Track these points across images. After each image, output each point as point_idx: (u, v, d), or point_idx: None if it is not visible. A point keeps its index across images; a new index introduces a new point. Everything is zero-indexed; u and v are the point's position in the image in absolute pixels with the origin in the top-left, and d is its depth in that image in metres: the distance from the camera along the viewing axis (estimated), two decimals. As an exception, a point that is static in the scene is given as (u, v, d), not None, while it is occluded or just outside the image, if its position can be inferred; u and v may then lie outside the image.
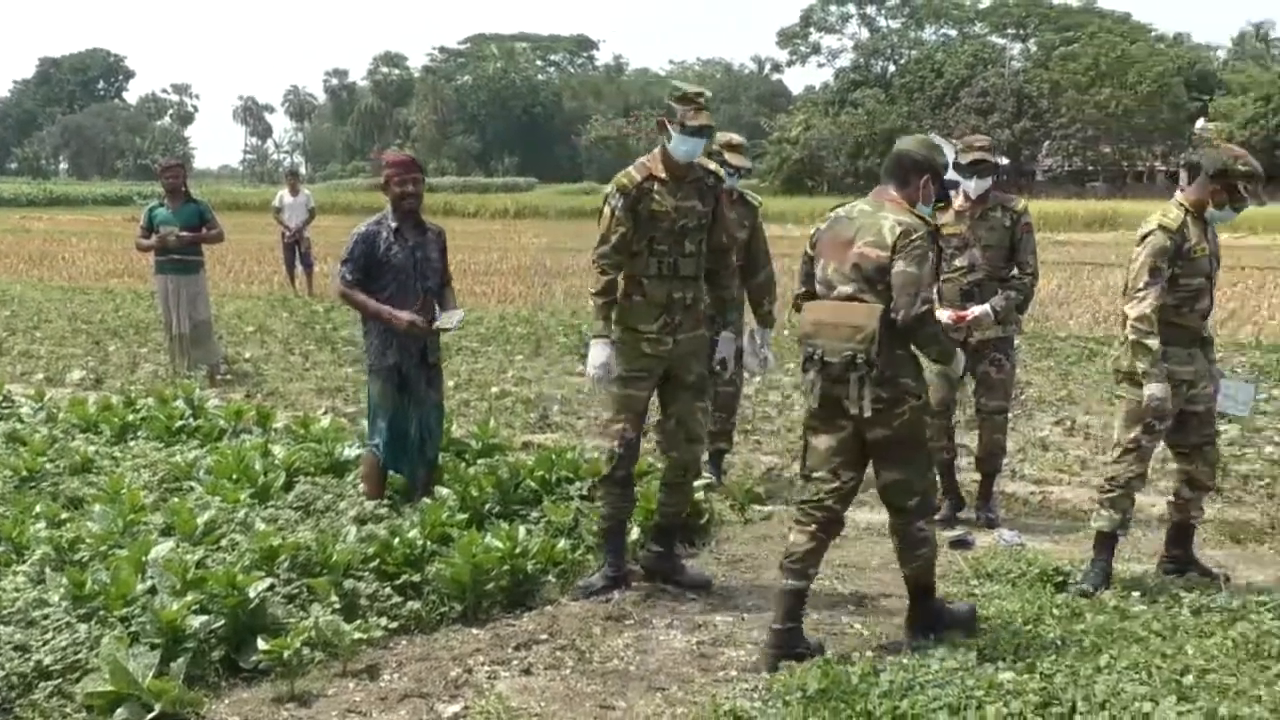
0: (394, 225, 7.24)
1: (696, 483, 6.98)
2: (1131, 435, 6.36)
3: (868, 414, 5.25)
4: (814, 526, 5.47)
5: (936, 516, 7.05)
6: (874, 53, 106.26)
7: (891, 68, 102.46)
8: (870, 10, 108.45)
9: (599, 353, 6.14)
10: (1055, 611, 5.80)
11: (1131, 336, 6.15)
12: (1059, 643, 5.36)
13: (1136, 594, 6.12)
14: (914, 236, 5.24)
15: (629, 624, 5.84)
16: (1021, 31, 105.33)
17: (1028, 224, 7.65)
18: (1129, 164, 78.69)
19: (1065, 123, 76.29)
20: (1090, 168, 78.89)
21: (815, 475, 5.50)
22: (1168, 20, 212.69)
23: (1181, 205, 6.34)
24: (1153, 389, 6.09)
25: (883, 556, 6.95)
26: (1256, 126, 68.88)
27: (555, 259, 30.02)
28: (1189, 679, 4.88)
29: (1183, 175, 6.53)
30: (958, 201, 7.61)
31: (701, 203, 6.31)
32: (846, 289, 5.34)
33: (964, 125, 79.80)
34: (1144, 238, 6.27)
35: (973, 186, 7.63)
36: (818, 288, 5.53)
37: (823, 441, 5.47)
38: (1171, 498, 6.72)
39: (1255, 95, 72.88)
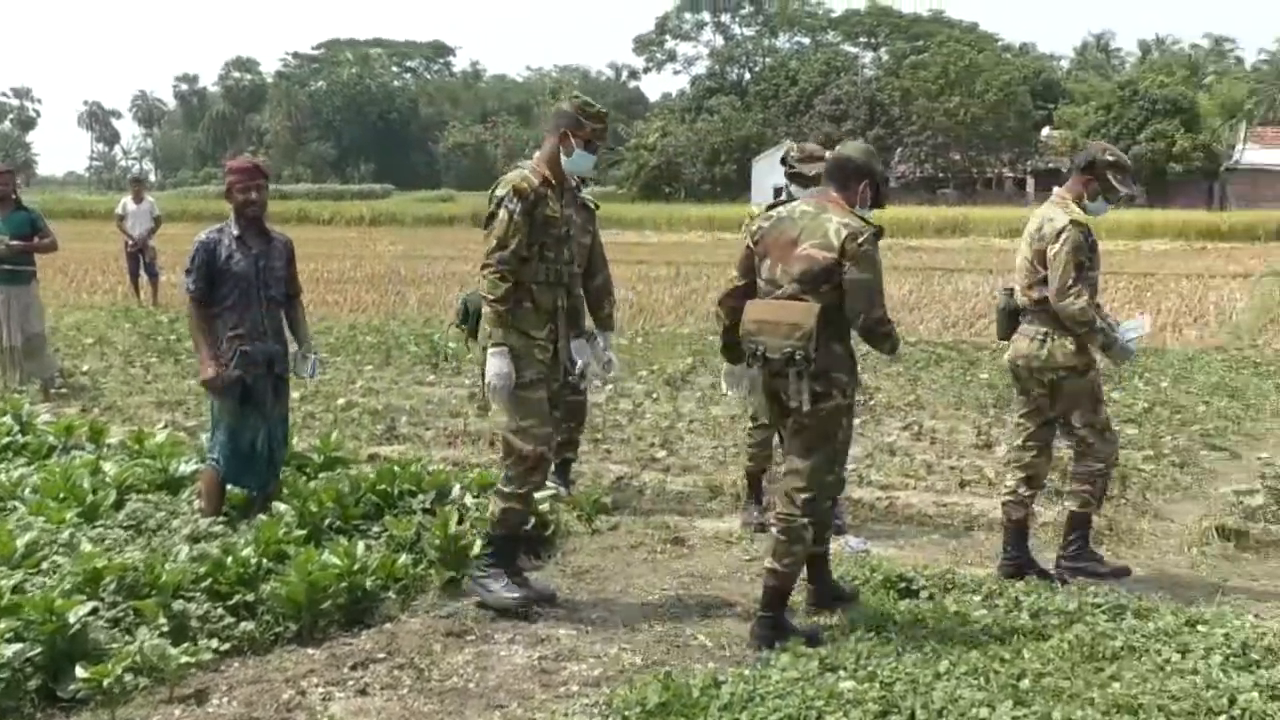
0: (236, 233, 7.06)
1: (542, 494, 6.97)
2: (1101, 417, 6.70)
3: (806, 408, 5.48)
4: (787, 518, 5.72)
5: (757, 517, 7.49)
6: (729, 60, 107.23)
7: (747, 75, 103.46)
8: (725, 18, 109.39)
9: (500, 362, 5.93)
10: (899, 618, 5.81)
11: (1080, 331, 6.45)
12: (901, 650, 5.36)
13: (978, 598, 6.17)
14: (860, 240, 5.46)
15: (470, 639, 5.71)
16: (873, 40, 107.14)
17: None
18: (978, 171, 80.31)
19: (916, 130, 77.67)
20: (941, 174, 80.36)
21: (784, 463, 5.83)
22: (1014, 30, 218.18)
23: (1068, 202, 6.64)
24: (1122, 350, 6.63)
25: (729, 565, 6.93)
26: (1098, 135, 70.71)
27: (410, 266, 29.73)
28: (1025, 683, 4.91)
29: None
30: None
31: (575, 211, 6.45)
32: (790, 289, 5.55)
33: (818, 132, 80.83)
34: (1059, 235, 6.47)
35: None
36: (763, 285, 5.69)
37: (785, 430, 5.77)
38: (1009, 496, 6.80)
39: (1097, 104, 74.92)
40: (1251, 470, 8.96)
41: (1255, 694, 4.81)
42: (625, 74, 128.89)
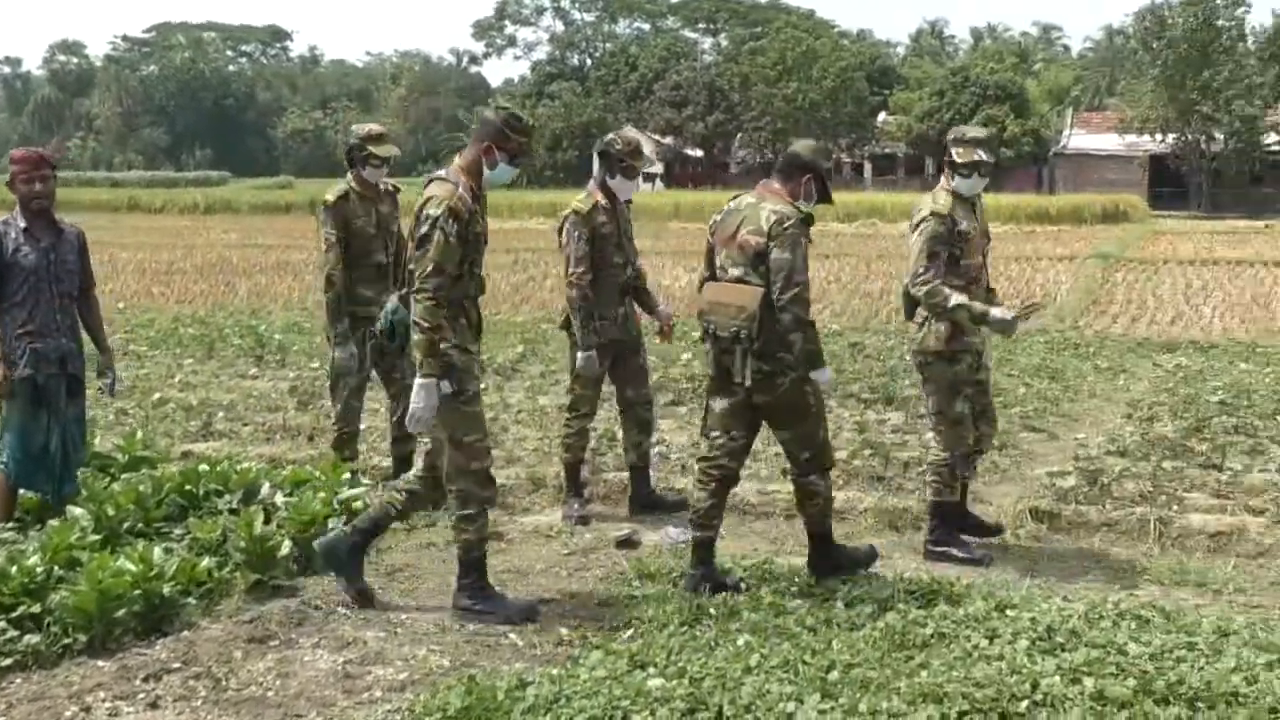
0: (23, 225, 6.75)
1: (354, 490, 6.89)
2: (954, 409, 6.89)
3: (748, 383, 6.00)
4: (713, 484, 6.24)
5: (578, 510, 7.58)
6: (569, 46, 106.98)
7: (588, 61, 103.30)
8: (564, 3, 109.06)
9: (428, 395, 5.71)
10: (713, 611, 5.76)
11: (939, 311, 6.70)
12: (713, 644, 5.30)
13: (794, 588, 6.15)
14: (787, 224, 5.94)
15: (273, 645, 5.52)
16: (712, 26, 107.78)
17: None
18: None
19: (756, 115, 78.15)
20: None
21: (712, 434, 6.26)
22: (850, 17, 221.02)
23: (946, 190, 6.89)
24: (998, 314, 6.70)
25: (547, 560, 6.83)
26: (932, 120, 71.94)
27: (244, 256, 29.06)
28: (834, 675, 4.88)
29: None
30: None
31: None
32: (736, 272, 6.07)
33: (659, 118, 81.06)
34: (918, 225, 6.80)
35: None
36: (717, 272, 6.20)
37: (718, 404, 6.22)
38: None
39: (930, 90, 76.19)
40: (1067, 452, 9.12)
41: (1057, 677, 4.84)
42: (466, 59, 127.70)
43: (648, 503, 7.85)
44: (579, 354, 7.52)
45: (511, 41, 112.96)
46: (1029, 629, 5.40)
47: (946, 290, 6.66)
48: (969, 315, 6.69)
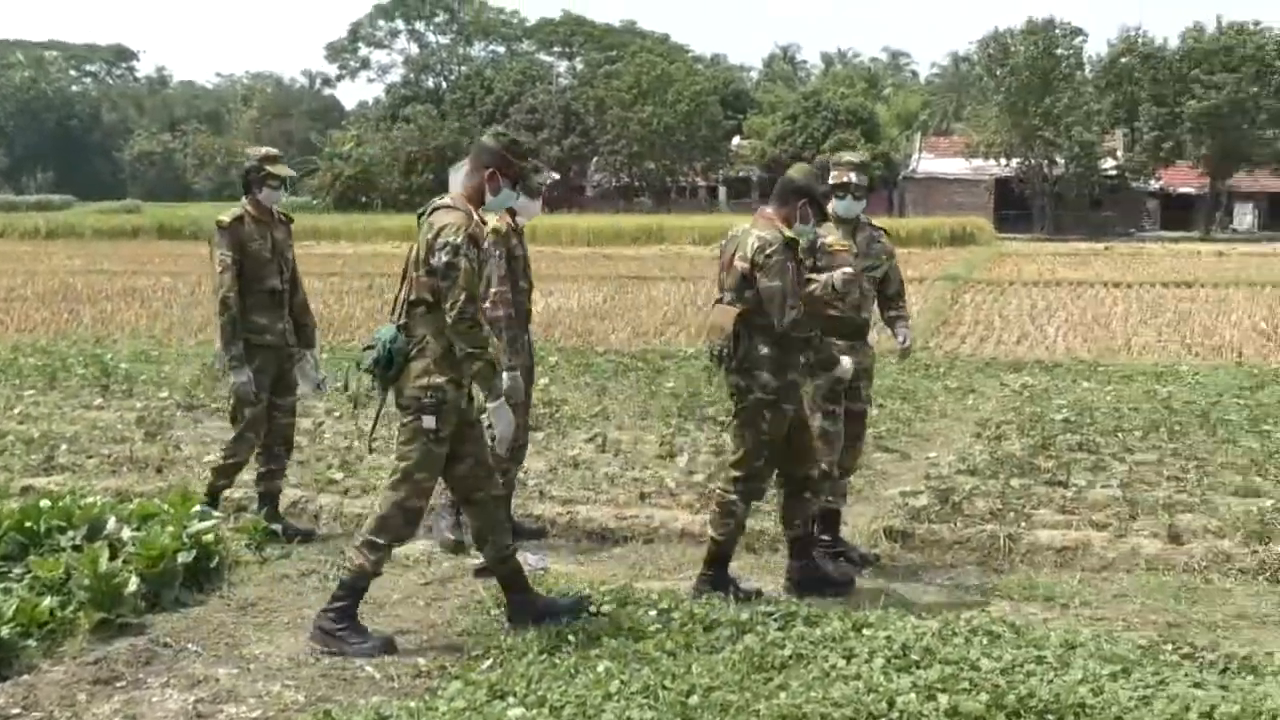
0: None
1: (205, 524, 6.73)
2: (818, 424, 7.05)
3: (728, 398, 6.54)
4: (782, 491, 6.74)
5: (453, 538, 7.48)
6: (424, 68, 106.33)
7: (443, 84, 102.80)
8: (419, 26, 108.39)
9: (506, 415, 5.90)
10: (573, 638, 5.73)
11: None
12: (573, 671, 5.28)
13: (654, 612, 6.14)
14: (769, 250, 6.25)
15: (120, 686, 5.35)
16: (568, 49, 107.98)
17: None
18: (672, 179, 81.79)
19: (611, 139, 78.47)
20: (636, 183, 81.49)
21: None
22: (704, 42, 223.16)
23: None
24: (846, 365, 6.86)
25: (404, 590, 6.75)
26: (786, 144, 72.98)
27: (88, 282, 28.29)
28: (694, 699, 4.89)
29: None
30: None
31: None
32: (727, 296, 6.45)
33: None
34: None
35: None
36: (720, 295, 6.56)
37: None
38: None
39: (784, 114, 77.27)
40: (919, 471, 9.28)
41: (913, 695, 4.90)
42: (319, 81, 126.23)
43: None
44: (504, 374, 7.29)
45: (365, 64, 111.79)
46: (885, 647, 5.46)
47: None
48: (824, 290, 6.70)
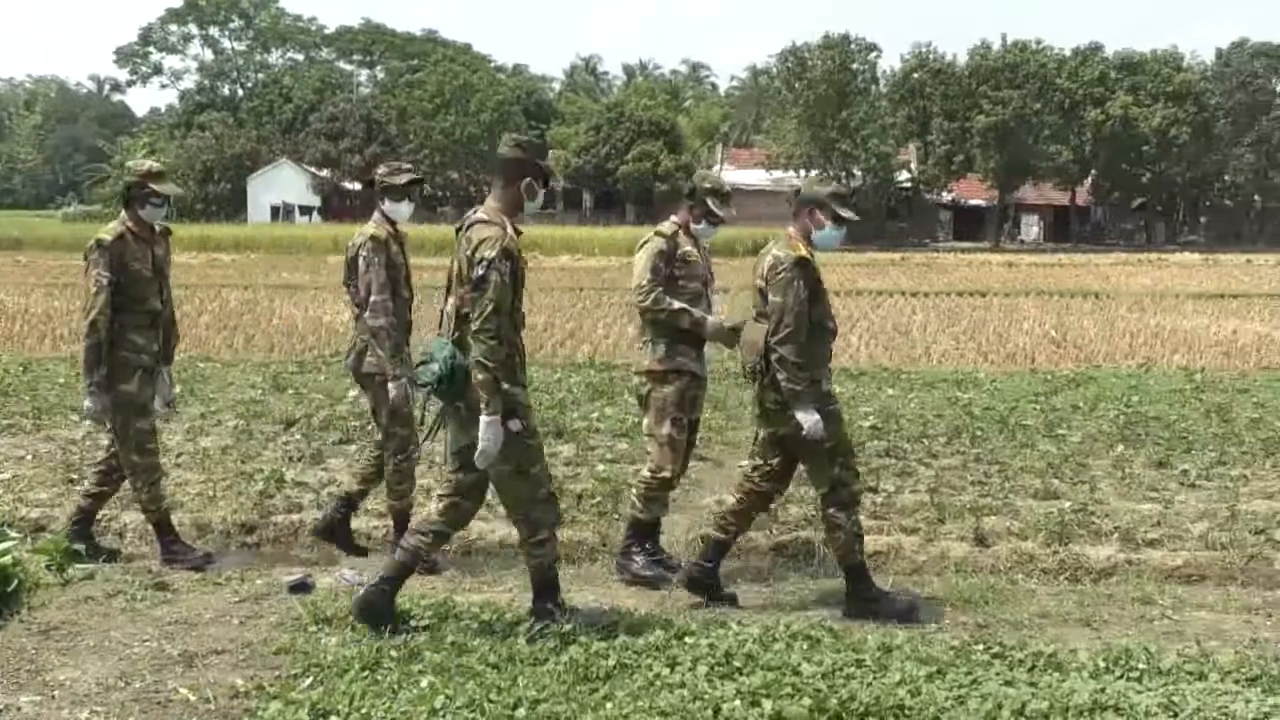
0: None
1: (1, 545, 6.47)
2: (665, 430, 7.11)
3: (759, 412, 6.66)
4: (741, 494, 6.80)
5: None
6: (219, 75, 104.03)
7: (239, 91, 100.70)
8: (213, 31, 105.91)
9: (497, 430, 5.81)
10: (394, 654, 5.64)
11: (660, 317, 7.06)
12: (396, 688, 5.19)
13: (476, 625, 6.09)
14: (779, 269, 6.43)
15: (-85, 719, 5.09)
16: (368, 58, 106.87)
17: None
18: (476, 189, 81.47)
19: (414, 148, 77.84)
20: (440, 193, 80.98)
21: (754, 457, 6.86)
22: (506, 52, 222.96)
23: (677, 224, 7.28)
24: (714, 320, 7.17)
25: (216, 608, 6.56)
26: (589, 154, 73.40)
27: None
28: (521, 712, 4.87)
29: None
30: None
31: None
32: (755, 312, 6.66)
33: (315, 150, 79.66)
34: (644, 243, 7.27)
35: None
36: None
37: (761, 432, 6.77)
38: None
39: (587, 125, 77.70)
40: (734, 479, 9.36)
41: (738, 701, 4.97)
42: (108, 87, 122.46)
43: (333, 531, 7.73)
44: (390, 384, 7.24)
45: (158, 70, 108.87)
46: (708, 655, 5.52)
47: (668, 299, 7.05)
48: (690, 320, 7.03)
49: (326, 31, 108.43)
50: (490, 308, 5.76)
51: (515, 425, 5.88)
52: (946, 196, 72.05)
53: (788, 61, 70.96)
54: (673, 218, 7.39)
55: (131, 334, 7.35)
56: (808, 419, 6.34)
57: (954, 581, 7.13)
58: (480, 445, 5.81)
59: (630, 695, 5.08)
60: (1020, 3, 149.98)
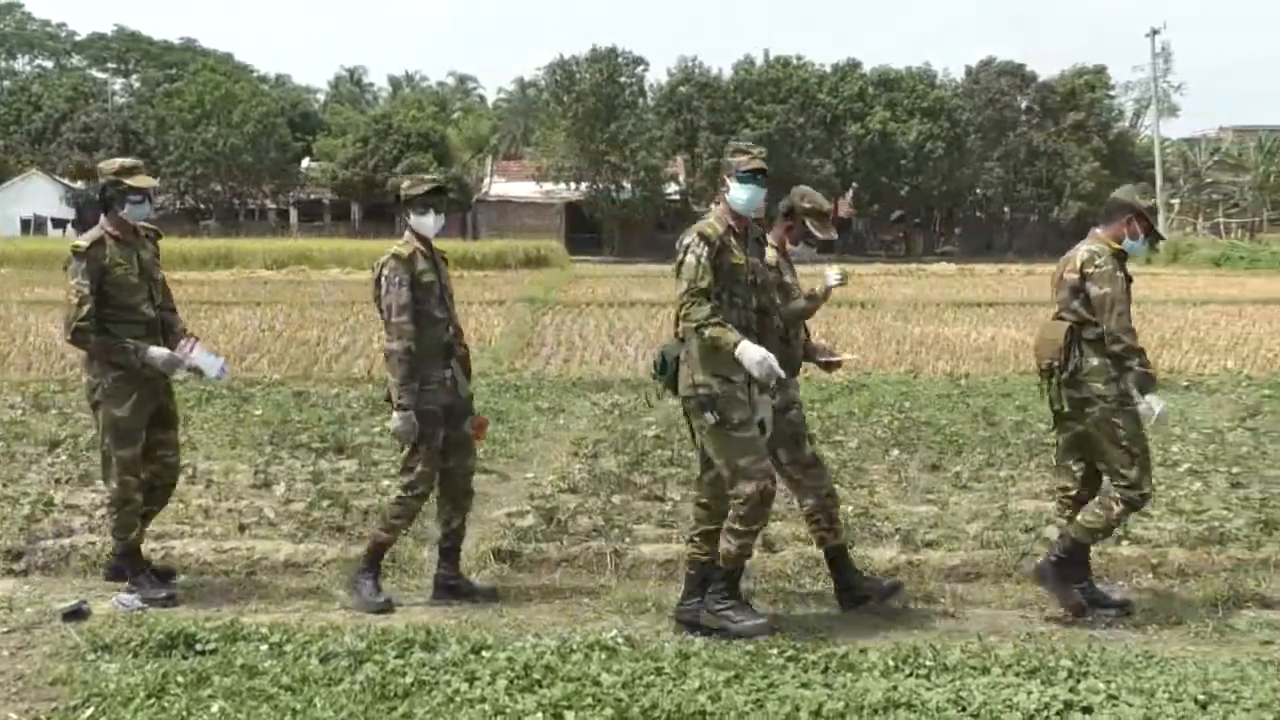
0: None
1: None
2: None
3: (1055, 413, 6.94)
4: (1067, 511, 6.92)
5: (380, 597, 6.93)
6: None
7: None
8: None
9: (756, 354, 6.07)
10: (181, 679, 5.45)
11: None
12: (185, 714, 5.03)
13: (265, 647, 5.92)
14: (1096, 260, 6.68)
15: None
16: (123, 66, 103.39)
17: None
18: (240, 202, 79.63)
19: (175, 160, 75.53)
20: (203, 205, 78.79)
21: (1061, 465, 7.10)
22: (268, 62, 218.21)
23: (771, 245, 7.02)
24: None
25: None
26: (357, 166, 72.35)
27: None
28: (319, 733, 4.76)
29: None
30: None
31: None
32: (1058, 309, 6.90)
33: (68, 161, 76.69)
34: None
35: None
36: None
37: (1060, 438, 7.06)
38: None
39: (354, 137, 76.50)
40: (521, 491, 9.35)
41: (539, 714, 4.98)
42: None
43: (453, 588, 7.09)
44: (395, 414, 6.81)
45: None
46: (507, 668, 5.50)
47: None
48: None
49: (78, 38, 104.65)
50: (684, 286, 6.15)
51: (710, 418, 6.14)
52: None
53: (556, 74, 71.21)
54: (767, 237, 7.00)
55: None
56: (1157, 404, 6.62)
57: (744, 586, 7.22)
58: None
59: (430, 712, 5.03)
60: (781, 20, 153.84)
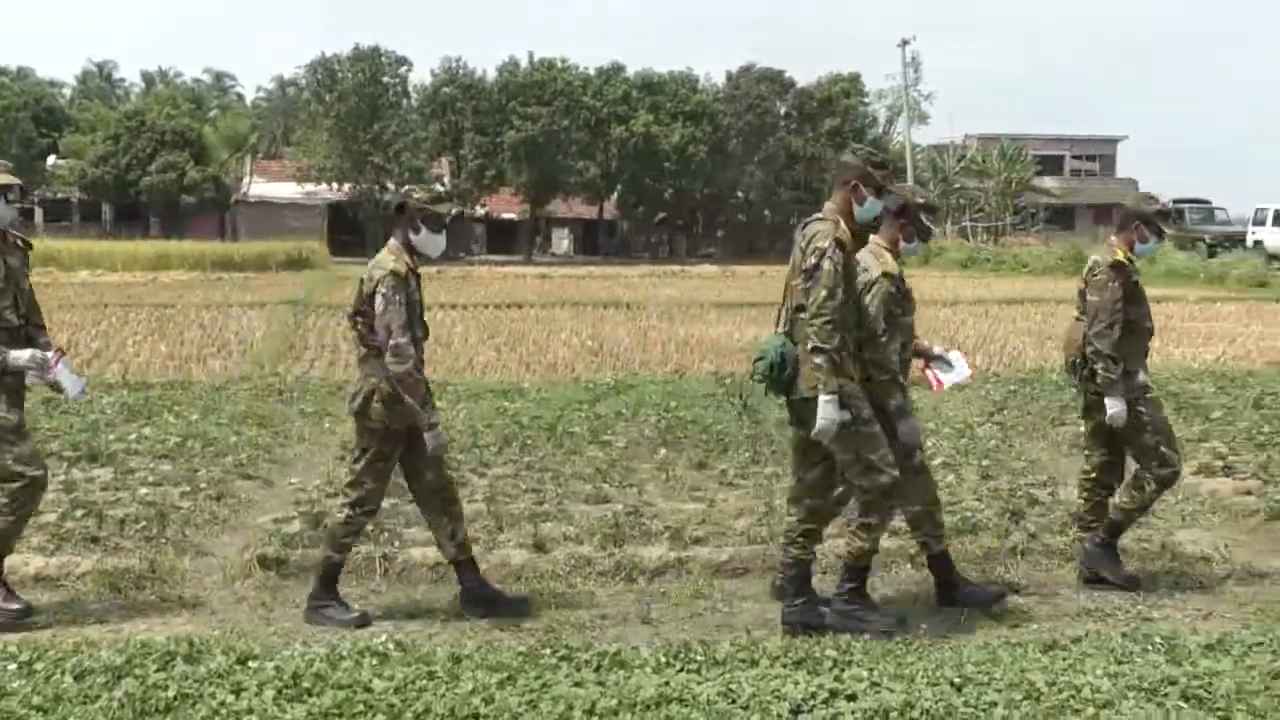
0: None
1: None
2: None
3: (1083, 405, 7.75)
4: (1084, 493, 7.76)
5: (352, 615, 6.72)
6: None
7: None
8: None
9: (832, 409, 6.21)
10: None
11: (882, 378, 6.58)
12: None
13: (14, 666, 5.66)
14: (1096, 271, 7.48)
15: None
16: None
17: None
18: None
19: (-92, 156, 71.73)
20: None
21: (1085, 454, 7.88)
22: (9, 54, 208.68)
23: (882, 247, 6.82)
24: (907, 425, 6.70)
25: None
26: (108, 165, 69.74)
27: None
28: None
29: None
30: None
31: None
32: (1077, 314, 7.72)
33: None
34: (870, 286, 6.60)
35: None
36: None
37: (1086, 425, 7.83)
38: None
39: (104, 134, 73.70)
40: (286, 497, 9.17)
41: (309, 723, 4.87)
42: None
43: (487, 598, 6.88)
44: (427, 435, 6.55)
45: None
46: (274, 678, 5.38)
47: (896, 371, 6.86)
48: (900, 400, 6.69)
49: None
50: (824, 294, 6.18)
51: (844, 415, 6.21)
52: (480, 211, 73.00)
53: (317, 73, 69.98)
54: (875, 239, 6.84)
55: None
56: (1115, 406, 7.20)
57: (516, 588, 7.23)
58: (819, 424, 6.21)
59: (184, 726, 4.88)
60: (545, 22, 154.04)
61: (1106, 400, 7.24)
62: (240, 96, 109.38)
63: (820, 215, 6.53)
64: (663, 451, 10.77)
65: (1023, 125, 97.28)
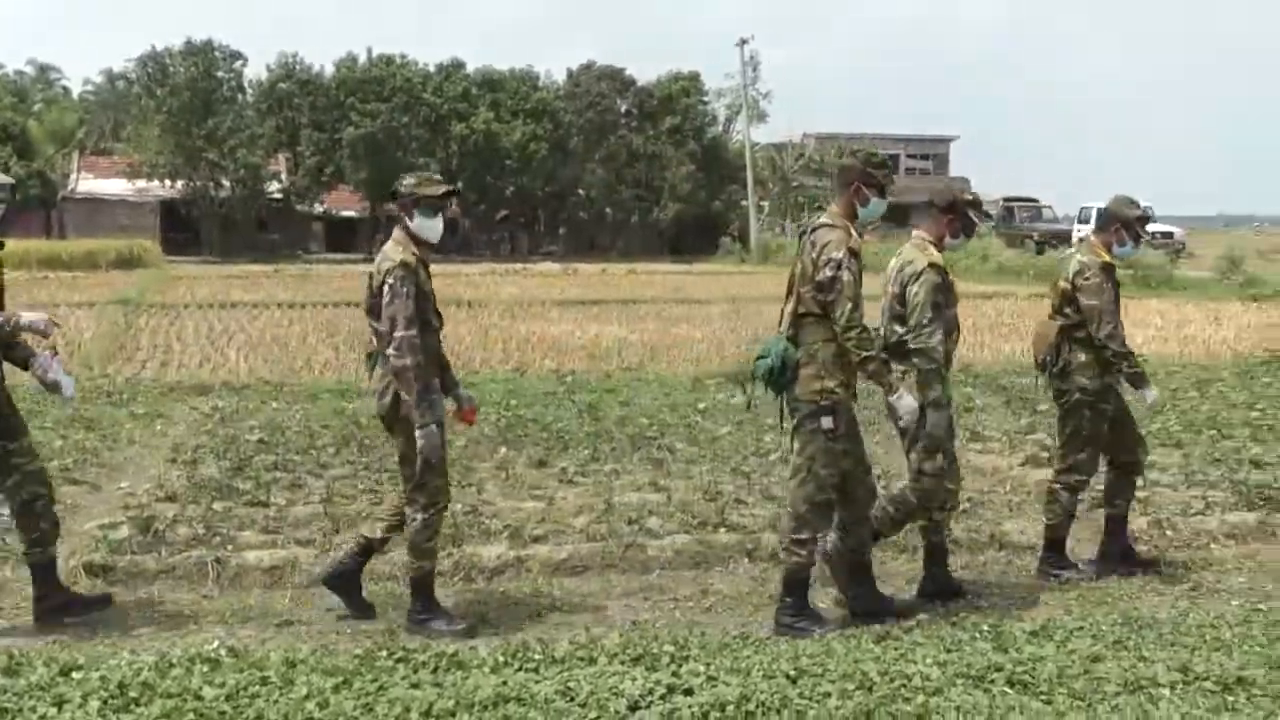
0: None
1: None
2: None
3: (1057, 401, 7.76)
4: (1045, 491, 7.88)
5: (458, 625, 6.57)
6: None
7: None
8: None
9: (909, 403, 6.56)
10: None
11: (927, 367, 6.68)
12: None
13: None
14: (1086, 273, 7.50)
15: None
16: None
17: None
18: None
19: None
20: None
21: (1059, 451, 7.82)
22: None
23: (927, 240, 6.96)
24: (939, 416, 6.75)
25: None
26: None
27: None
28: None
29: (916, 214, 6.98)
30: None
31: None
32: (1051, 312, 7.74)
33: None
34: (918, 276, 6.74)
35: None
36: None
37: (1061, 425, 7.79)
38: None
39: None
40: (114, 502, 8.94)
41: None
42: None
43: None
44: (417, 432, 6.27)
45: None
46: (100, 689, 5.24)
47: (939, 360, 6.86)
48: (939, 392, 6.78)
49: None
50: (849, 306, 6.24)
51: (828, 423, 6.32)
52: (319, 208, 71.86)
53: (148, 66, 68.18)
54: (920, 234, 6.97)
55: None
56: (1151, 394, 7.60)
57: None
58: (902, 421, 6.62)
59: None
60: (384, 18, 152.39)
61: (1142, 391, 7.52)
62: (67, 90, 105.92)
63: (828, 221, 6.51)
64: (503, 450, 10.73)
65: (860, 125, 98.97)
